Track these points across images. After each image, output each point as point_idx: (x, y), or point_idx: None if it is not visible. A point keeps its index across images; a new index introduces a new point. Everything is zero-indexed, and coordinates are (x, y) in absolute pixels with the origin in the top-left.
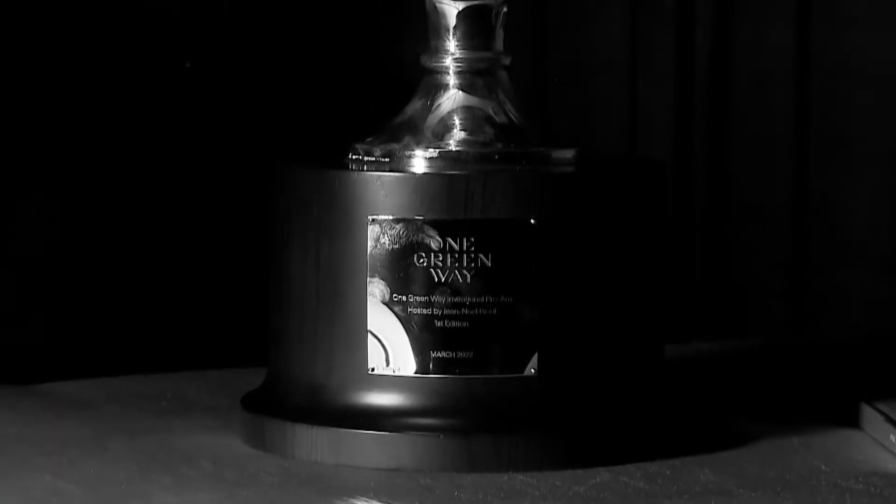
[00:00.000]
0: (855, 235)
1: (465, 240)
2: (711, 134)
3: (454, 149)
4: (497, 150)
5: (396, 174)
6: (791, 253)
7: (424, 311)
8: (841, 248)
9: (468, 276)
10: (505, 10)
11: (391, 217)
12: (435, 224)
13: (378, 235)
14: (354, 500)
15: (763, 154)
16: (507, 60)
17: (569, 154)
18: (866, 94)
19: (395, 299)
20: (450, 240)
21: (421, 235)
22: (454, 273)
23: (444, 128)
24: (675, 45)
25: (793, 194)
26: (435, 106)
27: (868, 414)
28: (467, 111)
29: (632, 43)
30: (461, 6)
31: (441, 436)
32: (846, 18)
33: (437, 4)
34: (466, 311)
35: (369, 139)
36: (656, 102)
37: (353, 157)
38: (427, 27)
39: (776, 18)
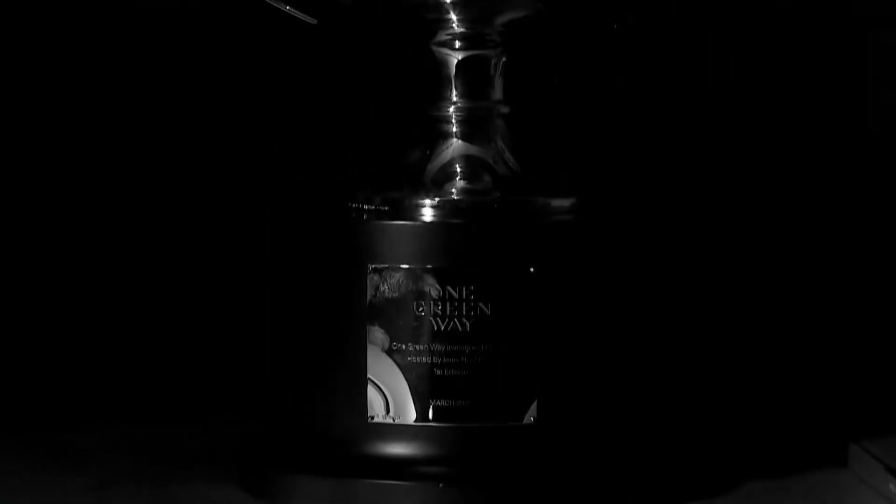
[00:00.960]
0: None
1: (464, 288)
2: None
3: (454, 197)
4: (496, 198)
5: (397, 223)
6: None
7: (424, 360)
8: None
9: (468, 324)
10: (504, 59)
11: (391, 265)
12: (435, 272)
13: (378, 284)
14: None
15: None
16: (505, 109)
17: (567, 203)
18: None
19: (395, 347)
20: (449, 288)
21: (421, 284)
22: (454, 321)
23: (445, 176)
24: None
25: None
26: (435, 154)
27: (860, 457)
28: (467, 160)
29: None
30: (461, 56)
31: (441, 484)
32: None
33: (438, 54)
34: (466, 360)
35: (370, 187)
36: None
37: (354, 205)
38: (428, 76)
39: None
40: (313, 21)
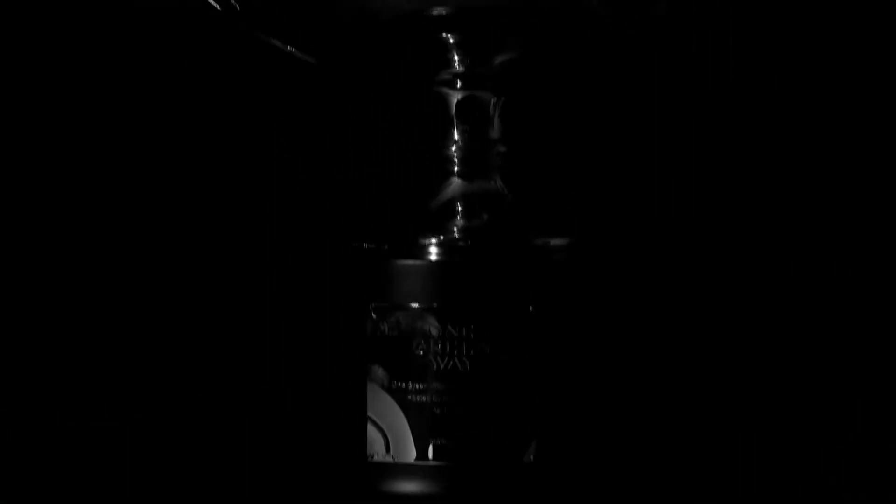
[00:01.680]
0: None
1: (464, 327)
2: None
3: (454, 236)
4: (496, 238)
5: (397, 261)
6: None
7: (424, 398)
8: None
9: (467, 363)
10: (503, 99)
11: (392, 304)
12: (435, 311)
13: (378, 322)
14: None
15: None
16: (504, 148)
17: (566, 241)
18: None
19: (396, 386)
20: (450, 327)
21: (421, 322)
22: (454, 360)
23: (445, 215)
24: None
25: None
26: (435, 194)
27: None
28: (467, 198)
29: None
30: (460, 96)
31: None
32: None
33: (438, 94)
34: (465, 398)
35: (371, 226)
36: None
37: (355, 243)
38: (428, 115)
39: None
40: (313, 61)
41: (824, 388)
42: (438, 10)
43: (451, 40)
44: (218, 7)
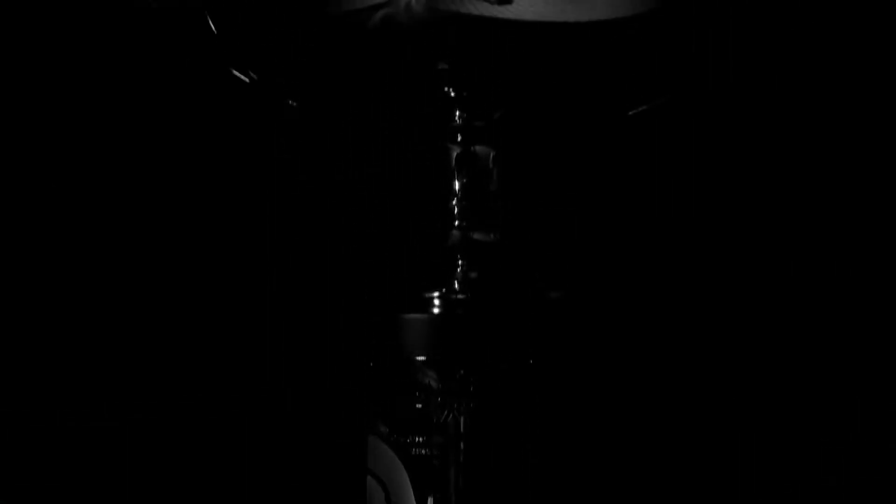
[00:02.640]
0: None
1: (464, 379)
2: None
3: (455, 289)
4: (496, 290)
5: (398, 315)
6: None
7: (424, 451)
8: None
9: (468, 416)
10: (502, 152)
11: (393, 356)
12: (435, 364)
13: (379, 374)
14: None
15: None
16: (504, 201)
17: (564, 293)
18: None
19: (395, 439)
20: (449, 381)
21: (420, 376)
22: (453, 413)
23: (445, 267)
24: None
25: None
26: (435, 246)
27: None
28: (467, 251)
29: None
30: (460, 149)
31: None
32: None
33: (439, 147)
34: (466, 450)
35: (377, 277)
36: None
37: (356, 296)
38: (429, 168)
39: None
40: (313, 128)
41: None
42: (441, 66)
43: (452, 95)
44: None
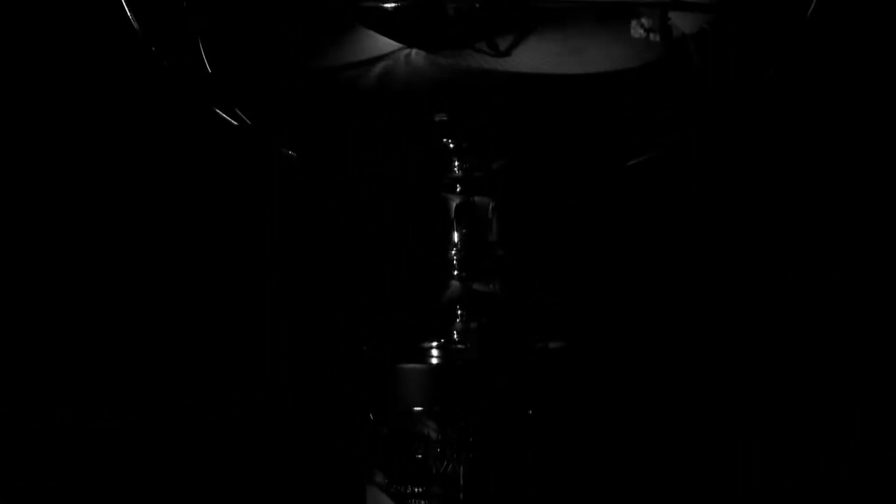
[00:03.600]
0: None
1: (463, 431)
2: None
3: (454, 339)
4: (495, 341)
5: (397, 365)
6: None
7: (423, 501)
8: None
9: (467, 467)
10: (502, 203)
11: (392, 407)
12: (434, 415)
13: (378, 424)
14: None
15: None
16: (503, 251)
17: (564, 344)
18: None
19: (395, 490)
20: (449, 431)
21: (420, 426)
22: (453, 464)
23: (444, 319)
24: None
25: None
26: (435, 297)
27: None
28: (467, 302)
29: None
30: (460, 200)
31: None
32: None
33: (438, 198)
34: (465, 501)
35: (374, 330)
36: None
37: (354, 346)
38: (428, 219)
39: None
40: (313, 182)
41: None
42: (440, 117)
43: (451, 146)
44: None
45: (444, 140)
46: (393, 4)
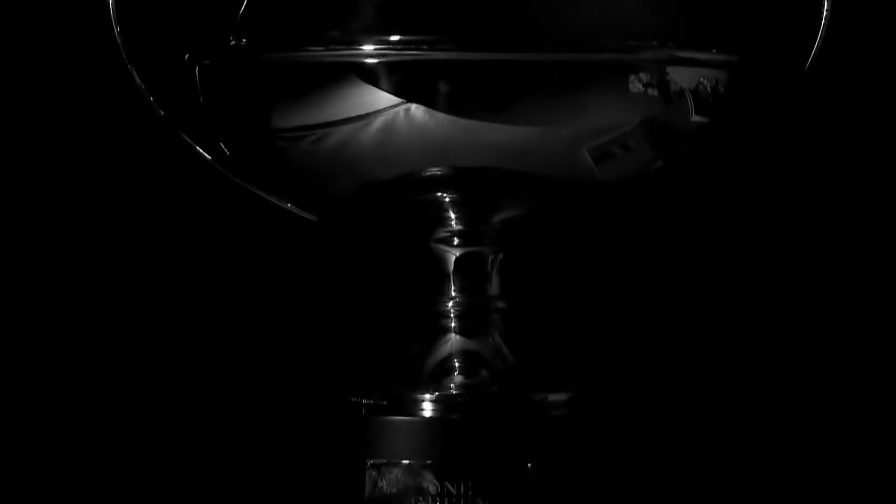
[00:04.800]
0: None
1: (462, 484)
2: None
3: (452, 393)
4: (494, 394)
5: (395, 418)
6: None
7: None
8: None
9: None
10: (501, 256)
11: (390, 461)
12: (433, 468)
13: (376, 479)
14: None
15: None
16: (503, 304)
17: (564, 397)
18: None
19: None
20: (447, 484)
21: (419, 480)
22: None
23: (443, 371)
24: None
25: None
26: (433, 350)
27: None
28: (465, 355)
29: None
30: (459, 252)
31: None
32: None
33: (436, 250)
34: None
35: (369, 382)
36: None
37: (353, 400)
38: (426, 272)
39: None
40: (313, 218)
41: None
42: (439, 171)
43: (450, 200)
44: (216, 165)
45: (443, 193)
46: (392, 59)
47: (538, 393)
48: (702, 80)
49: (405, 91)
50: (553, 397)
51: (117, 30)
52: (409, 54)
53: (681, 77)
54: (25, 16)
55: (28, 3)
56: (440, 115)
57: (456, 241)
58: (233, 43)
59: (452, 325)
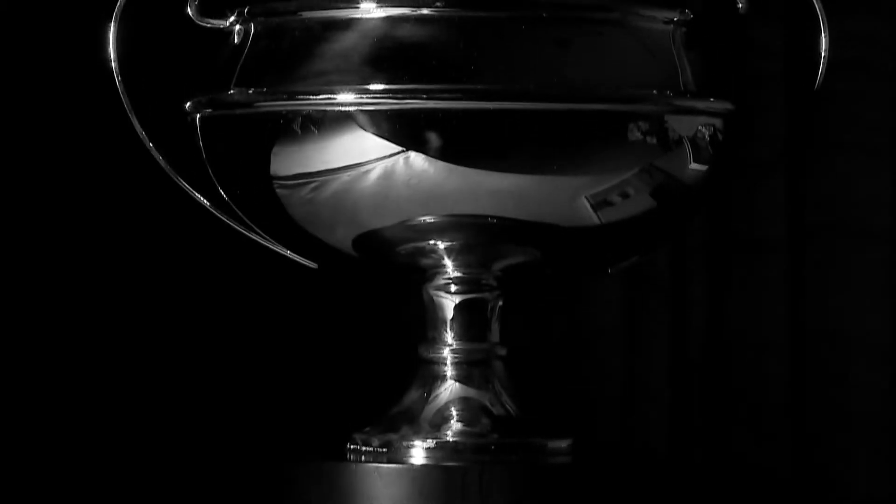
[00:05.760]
0: None
1: None
2: (708, 405)
3: (451, 440)
4: (493, 441)
5: (394, 465)
6: None
7: None
8: None
9: None
10: (501, 303)
11: None
12: None
13: None
14: None
15: (763, 429)
16: (502, 351)
17: (564, 444)
18: (860, 365)
19: None
20: None
21: None
22: None
23: (442, 419)
24: (670, 318)
25: (791, 470)
26: (432, 397)
27: None
28: (464, 402)
29: (627, 315)
30: (458, 300)
31: None
32: (838, 286)
33: (434, 297)
34: None
35: (367, 429)
36: (652, 373)
37: (352, 446)
38: (425, 319)
39: (769, 288)
40: (314, 265)
41: None
42: (440, 220)
43: (448, 247)
44: (216, 212)
45: (442, 240)
46: (391, 107)
47: (538, 439)
48: (700, 127)
49: (404, 139)
50: (553, 444)
51: (119, 80)
52: (409, 103)
53: (679, 125)
54: (27, 72)
55: (29, 62)
56: (439, 164)
57: (454, 287)
58: (232, 92)
59: (452, 372)
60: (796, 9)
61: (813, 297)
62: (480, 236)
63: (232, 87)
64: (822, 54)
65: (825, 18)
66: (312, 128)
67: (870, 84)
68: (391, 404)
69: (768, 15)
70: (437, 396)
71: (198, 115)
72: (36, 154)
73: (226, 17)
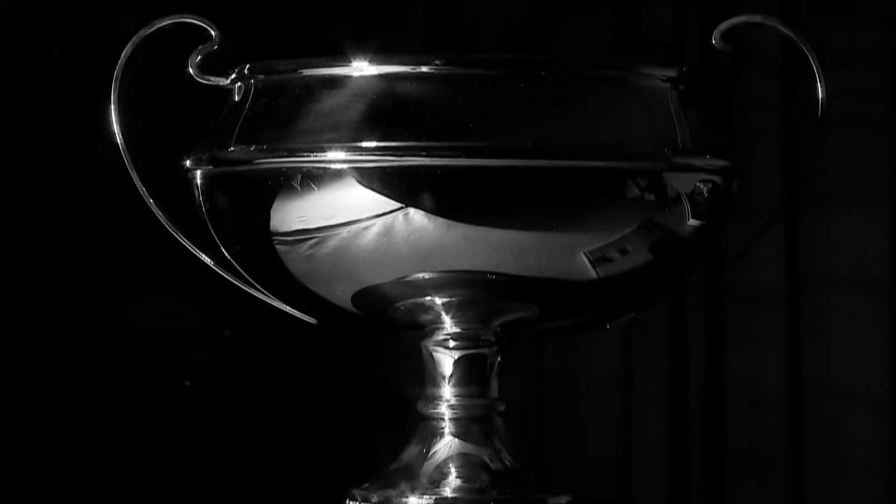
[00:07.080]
0: None
1: None
2: (708, 457)
3: (450, 496)
4: (493, 497)
5: None
6: None
7: None
8: None
9: None
10: (500, 359)
11: None
12: None
13: None
14: None
15: (762, 481)
16: (502, 407)
17: (563, 500)
18: (859, 417)
19: None
20: None
21: None
22: None
23: (440, 475)
24: (668, 369)
25: None
26: (431, 453)
27: None
28: (463, 458)
29: (625, 366)
30: (457, 355)
31: None
32: (837, 337)
33: (433, 352)
34: None
35: (366, 485)
36: (651, 425)
37: (350, 502)
38: (423, 374)
39: (768, 338)
40: (313, 321)
41: None
42: (439, 276)
43: (447, 302)
44: (216, 268)
45: (441, 296)
46: (390, 164)
47: (538, 495)
48: (698, 184)
49: (403, 196)
50: (553, 500)
51: (120, 138)
52: (408, 160)
53: (678, 182)
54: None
55: (30, 123)
56: (438, 220)
57: (453, 343)
58: (232, 149)
59: (451, 428)
60: (793, 61)
61: (811, 349)
62: (479, 292)
63: (232, 144)
64: (821, 106)
65: (822, 73)
66: (312, 184)
67: (868, 136)
68: (390, 460)
69: (766, 67)
70: (435, 452)
71: (198, 172)
72: (33, 204)
73: (226, 75)
